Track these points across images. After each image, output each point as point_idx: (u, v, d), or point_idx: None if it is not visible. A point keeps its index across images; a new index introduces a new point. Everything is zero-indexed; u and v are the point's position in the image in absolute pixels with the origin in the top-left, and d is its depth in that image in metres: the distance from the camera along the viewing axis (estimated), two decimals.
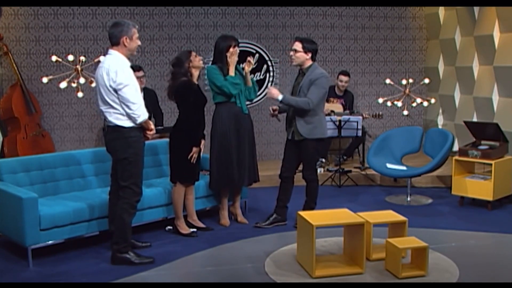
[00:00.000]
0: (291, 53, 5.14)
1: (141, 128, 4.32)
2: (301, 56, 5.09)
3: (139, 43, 4.35)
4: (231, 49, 5.09)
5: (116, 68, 4.12)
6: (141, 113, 4.20)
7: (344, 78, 7.54)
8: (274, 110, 5.36)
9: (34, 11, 7.11)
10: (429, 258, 4.06)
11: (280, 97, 4.99)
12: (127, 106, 4.15)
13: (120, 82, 4.11)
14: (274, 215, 5.34)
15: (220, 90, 5.08)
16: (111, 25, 4.30)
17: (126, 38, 4.19)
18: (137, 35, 4.28)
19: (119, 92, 4.12)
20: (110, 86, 4.13)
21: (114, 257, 4.36)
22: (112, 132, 4.26)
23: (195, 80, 4.96)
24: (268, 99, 7.83)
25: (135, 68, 6.49)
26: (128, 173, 4.28)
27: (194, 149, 4.91)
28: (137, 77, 6.53)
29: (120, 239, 4.34)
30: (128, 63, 4.27)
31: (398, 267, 4.00)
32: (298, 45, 5.09)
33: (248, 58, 5.21)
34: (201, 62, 5.00)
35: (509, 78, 6.53)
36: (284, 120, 5.38)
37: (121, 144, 4.23)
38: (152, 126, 4.39)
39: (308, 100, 4.98)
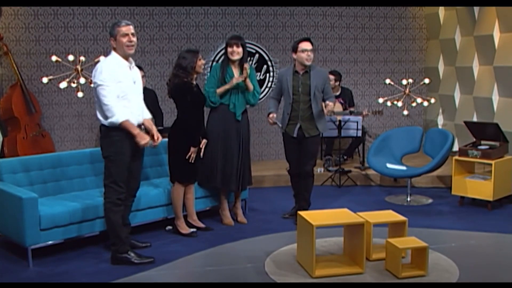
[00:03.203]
0: (309, 53, 5.20)
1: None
2: (312, 55, 5.28)
3: (128, 39, 4.20)
4: (228, 49, 5.14)
5: (101, 68, 4.17)
6: (113, 115, 4.13)
7: (330, 77, 7.49)
8: (273, 119, 5.41)
9: (34, 11, 7.11)
10: (429, 258, 4.06)
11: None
12: (102, 106, 4.16)
13: (95, 81, 4.16)
14: (297, 206, 5.47)
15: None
16: None
17: (112, 39, 4.24)
18: (122, 33, 4.18)
19: (96, 91, 4.17)
20: (93, 84, 4.22)
21: (114, 257, 4.37)
22: (100, 131, 4.32)
23: (193, 80, 4.96)
24: (267, 101, 7.86)
25: None
26: (108, 172, 4.29)
27: (192, 148, 4.91)
28: None
29: (114, 239, 4.35)
30: (122, 64, 4.24)
31: (398, 267, 4.00)
32: (310, 45, 5.25)
33: (244, 65, 5.17)
34: (202, 67, 4.99)
35: (509, 78, 6.53)
36: (283, 120, 5.41)
37: (105, 142, 4.26)
38: (136, 132, 4.21)
39: (333, 97, 5.44)
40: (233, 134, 5.22)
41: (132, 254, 4.37)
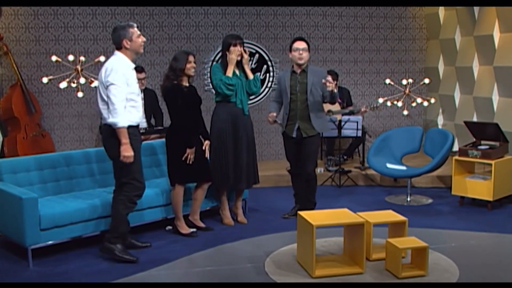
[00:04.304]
0: (301, 52, 5.20)
1: (136, 126, 4.37)
2: (307, 55, 5.28)
3: (143, 39, 4.38)
4: (231, 48, 5.10)
5: (112, 67, 4.24)
6: (116, 116, 4.18)
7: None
8: (273, 117, 5.41)
9: (34, 11, 7.11)
10: (429, 258, 4.06)
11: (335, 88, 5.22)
12: (109, 104, 4.21)
13: (107, 80, 4.21)
14: (298, 206, 5.50)
15: (215, 88, 5.15)
16: (112, 31, 4.40)
17: (126, 40, 4.29)
18: (137, 34, 4.33)
19: (107, 90, 4.21)
20: (104, 82, 4.25)
21: (103, 246, 4.43)
22: (106, 130, 4.33)
23: (185, 82, 4.90)
24: (267, 101, 7.87)
25: (137, 69, 6.49)
26: (127, 170, 4.33)
27: (188, 150, 4.88)
28: (139, 79, 6.57)
29: (112, 228, 4.42)
30: (130, 66, 4.34)
31: (398, 267, 4.00)
32: (305, 45, 5.26)
33: (242, 49, 5.19)
34: (193, 70, 4.90)
35: (509, 78, 6.53)
36: (283, 120, 5.41)
37: (114, 142, 4.27)
38: (126, 141, 4.22)
39: None
40: (242, 130, 5.22)
41: (119, 247, 4.39)
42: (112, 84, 4.19)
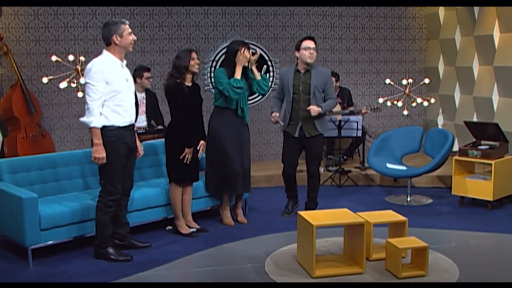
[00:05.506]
0: (312, 51, 5.23)
1: (127, 127, 4.35)
2: (315, 54, 5.30)
3: (133, 38, 4.33)
4: (238, 53, 5.06)
5: (90, 67, 4.23)
6: (89, 116, 4.20)
7: None
8: (276, 117, 5.42)
9: (34, 11, 7.10)
10: (429, 258, 4.06)
11: (321, 110, 5.24)
12: (85, 103, 4.23)
13: (85, 80, 4.24)
14: (291, 202, 5.64)
15: (222, 93, 5.09)
16: (102, 26, 4.36)
17: (116, 36, 4.25)
18: (128, 31, 4.28)
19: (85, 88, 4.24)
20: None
21: (95, 251, 4.46)
22: None
23: (187, 81, 4.91)
24: (267, 101, 7.86)
25: (143, 68, 6.49)
26: (104, 172, 4.33)
27: (187, 149, 4.88)
28: (146, 78, 6.55)
29: (98, 235, 4.44)
30: (114, 63, 4.28)
31: (398, 267, 4.00)
32: (313, 44, 5.28)
33: (252, 51, 5.24)
34: (197, 67, 4.90)
35: (509, 78, 6.53)
36: (284, 119, 5.42)
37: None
38: (98, 142, 4.25)
39: (335, 99, 5.50)
40: (240, 138, 5.22)
41: (111, 251, 4.41)
42: (86, 83, 4.20)
